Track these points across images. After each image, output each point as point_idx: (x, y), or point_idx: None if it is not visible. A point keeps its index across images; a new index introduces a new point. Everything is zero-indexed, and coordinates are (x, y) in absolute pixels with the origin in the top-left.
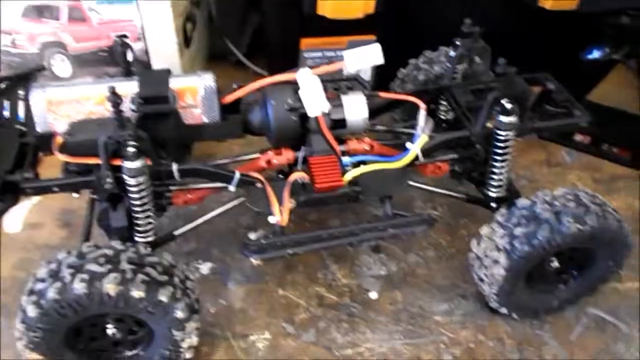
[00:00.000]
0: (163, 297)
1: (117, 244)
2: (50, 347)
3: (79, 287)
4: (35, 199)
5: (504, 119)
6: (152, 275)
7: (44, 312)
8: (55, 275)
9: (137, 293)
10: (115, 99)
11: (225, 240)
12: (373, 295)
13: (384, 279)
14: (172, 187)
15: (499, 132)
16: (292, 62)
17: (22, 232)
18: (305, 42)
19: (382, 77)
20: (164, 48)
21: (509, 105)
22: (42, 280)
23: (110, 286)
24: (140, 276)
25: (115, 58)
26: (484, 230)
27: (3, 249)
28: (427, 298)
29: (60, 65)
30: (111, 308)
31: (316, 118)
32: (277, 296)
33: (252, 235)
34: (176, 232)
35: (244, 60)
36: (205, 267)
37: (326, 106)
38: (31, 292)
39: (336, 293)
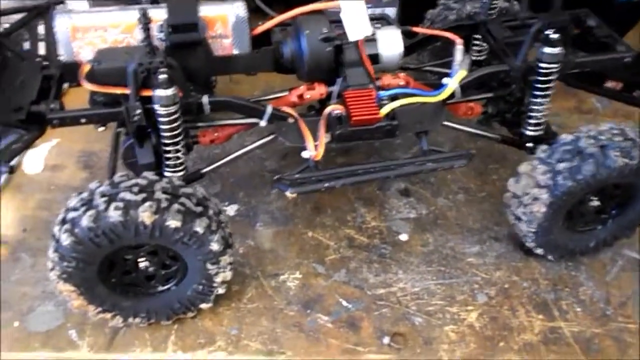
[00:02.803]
0: (199, 228)
1: (149, 175)
2: (83, 279)
3: (113, 215)
4: (55, 140)
5: (548, 50)
6: (187, 206)
7: (78, 240)
8: (88, 204)
9: (173, 223)
10: (146, 21)
11: (251, 183)
12: (403, 237)
13: (414, 221)
14: (199, 124)
15: (541, 65)
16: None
17: (42, 174)
18: None
19: (406, 20)
20: None
21: (554, 36)
22: (75, 209)
23: (145, 214)
24: (176, 206)
25: None
26: (523, 167)
27: (25, 189)
28: (459, 240)
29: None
30: (146, 238)
31: (356, 44)
32: (306, 238)
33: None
34: (203, 170)
35: (262, 6)
36: (231, 209)
37: (369, 30)
38: (64, 221)
39: (366, 235)
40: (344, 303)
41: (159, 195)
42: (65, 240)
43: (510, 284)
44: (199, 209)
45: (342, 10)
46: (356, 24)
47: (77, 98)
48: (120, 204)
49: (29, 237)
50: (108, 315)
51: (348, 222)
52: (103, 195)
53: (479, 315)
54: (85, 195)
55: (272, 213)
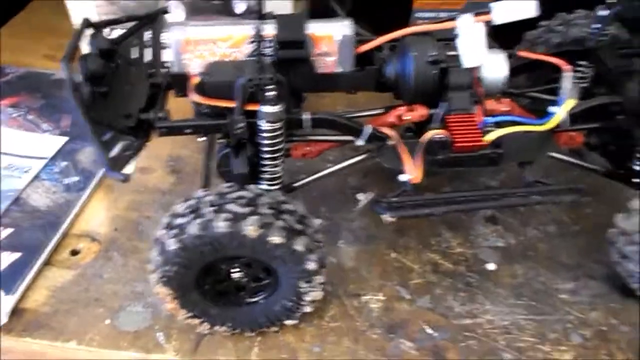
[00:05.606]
0: (299, 246)
1: (254, 187)
2: (181, 284)
3: (222, 225)
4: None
5: None
6: (289, 223)
7: (184, 247)
8: (195, 212)
9: (276, 239)
10: (259, 39)
11: (334, 200)
12: (491, 266)
13: (501, 251)
14: (295, 138)
15: None
16: (402, 22)
17: (133, 176)
18: (419, 1)
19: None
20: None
21: None
22: (182, 216)
23: (251, 228)
24: (279, 222)
25: (229, 8)
26: (636, 203)
27: (116, 190)
28: (551, 275)
29: (175, 12)
30: (247, 251)
31: (471, 71)
32: (389, 259)
33: (361, 196)
34: (296, 184)
35: (361, 32)
36: (314, 224)
37: (485, 57)
38: (170, 226)
39: (451, 261)
40: (429, 331)
41: (264, 209)
42: (172, 245)
43: (607, 327)
44: (300, 226)
45: (459, 35)
46: (473, 50)
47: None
48: (229, 215)
49: (120, 236)
50: (197, 321)
51: (432, 246)
52: (211, 205)
53: (573, 357)
54: (192, 202)
55: (355, 231)
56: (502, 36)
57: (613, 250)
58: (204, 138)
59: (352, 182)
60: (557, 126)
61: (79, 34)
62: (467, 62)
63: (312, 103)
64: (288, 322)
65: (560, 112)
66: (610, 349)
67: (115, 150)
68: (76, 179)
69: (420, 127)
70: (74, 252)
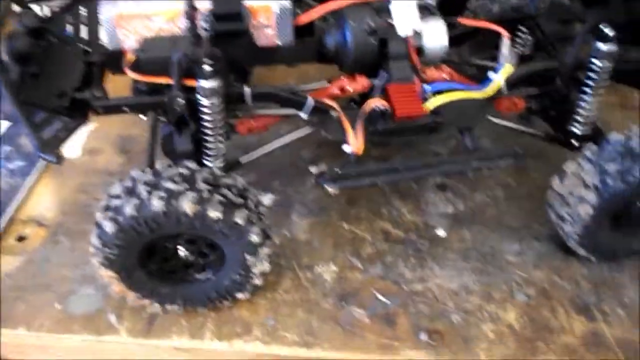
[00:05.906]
0: (239, 219)
1: (191, 164)
2: (124, 266)
3: (156, 204)
4: (93, 124)
5: (602, 46)
6: (228, 197)
7: (120, 228)
8: (131, 192)
9: (214, 214)
10: (193, 12)
11: (286, 173)
12: (440, 232)
13: (451, 217)
14: (238, 113)
15: (594, 61)
16: None
17: (81, 157)
18: None
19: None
20: None
21: (609, 31)
22: (118, 197)
23: (187, 205)
24: (217, 197)
25: None
26: (570, 166)
27: (63, 173)
28: (497, 237)
29: None
30: (187, 228)
31: (406, 39)
32: (341, 230)
33: (314, 169)
34: (242, 159)
35: None
36: (266, 199)
37: (419, 25)
38: (107, 208)
39: (402, 229)
40: (381, 298)
41: (200, 185)
42: (109, 228)
43: (550, 285)
44: (240, 200)
45: (392, 4)
46: (406, 18)
47: (116, 85)
48: (163, 194)
49: (68, 220)
50: (147, 301)
51: (383, 215)
52: (146, 184)
53: (518, 315)
54: (128, 183)
55: (307, 204)
56: (448, 7)
57: (551, 212)
58: (144, 117)
59: (305, 154)
60: (498, 92)
61: (4, 12)
62: (401, 30)
63: (262, 77)
64: (239, 295)
65: (498, 78)
66: (553, 306)
67: (49, 131)
68: (21, 163)
69: (363, 98)
70: (21, 238)
